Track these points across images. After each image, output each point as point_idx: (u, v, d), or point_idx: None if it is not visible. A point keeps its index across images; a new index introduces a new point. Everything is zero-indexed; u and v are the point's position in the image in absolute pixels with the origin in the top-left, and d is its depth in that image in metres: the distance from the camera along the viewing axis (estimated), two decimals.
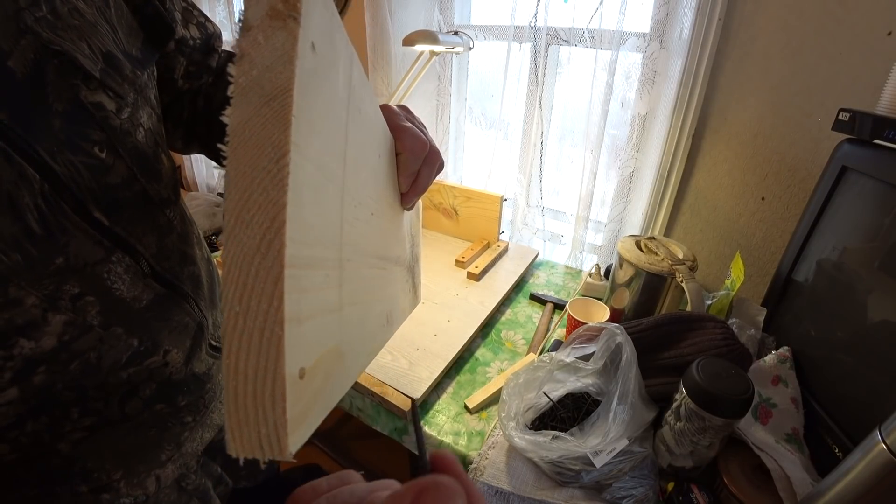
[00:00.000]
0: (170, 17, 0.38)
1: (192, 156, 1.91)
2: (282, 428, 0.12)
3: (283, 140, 0.13)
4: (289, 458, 0.13)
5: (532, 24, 1.01)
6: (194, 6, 0.45)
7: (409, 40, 0.90)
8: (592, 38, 0.95)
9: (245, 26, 0.14)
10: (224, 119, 0.13)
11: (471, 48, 1.03)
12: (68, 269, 0.28)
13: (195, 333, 0.39)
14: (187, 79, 0.47)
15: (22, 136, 0.25)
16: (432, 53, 0.98)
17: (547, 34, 1.00)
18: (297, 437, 0.13)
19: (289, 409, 0.12)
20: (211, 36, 0.48)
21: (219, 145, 0.13)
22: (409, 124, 0.34)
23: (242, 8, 0.14)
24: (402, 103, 0.38)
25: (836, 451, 0.56)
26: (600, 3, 0.91)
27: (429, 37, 0.89)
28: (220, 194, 2.04)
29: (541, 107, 1.08)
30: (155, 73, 0.38)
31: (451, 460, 0.19)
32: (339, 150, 0.18)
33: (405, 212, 0.39)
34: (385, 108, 0.34)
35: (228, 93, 0.13)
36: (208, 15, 0.48)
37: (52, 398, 0.30)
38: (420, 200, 0.41)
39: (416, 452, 0.16)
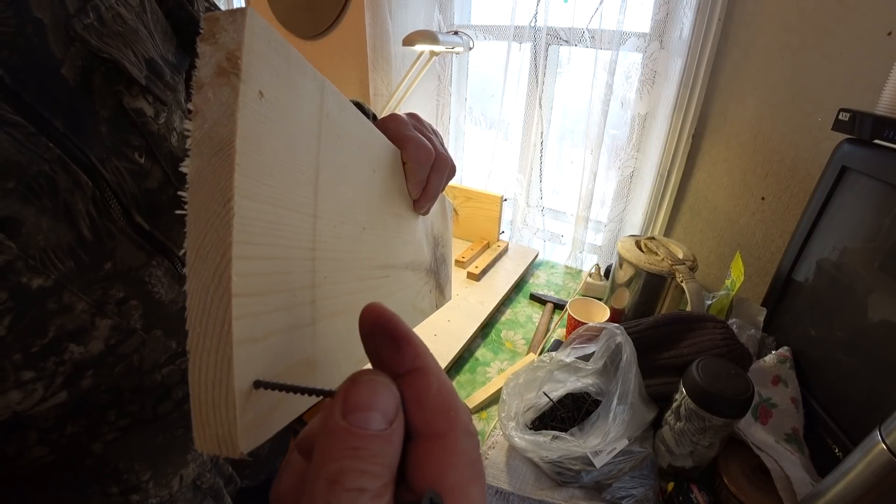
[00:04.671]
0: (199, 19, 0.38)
1: None
2: (233, 432, 0.15)
3: (228, 186, 0.15)
4: (241, 457, 0.15)
5: (532, 24, 1.01)
6: (216, 7, 0.45)
7: (409, 40, 0.90)
8: (592, 38, 0.96)
9: (197, 84, 0.15)
10: (183, 169, 0.15)
11: (471, 48, 1.03)
12: (115, 275, 0.29)
13: None
14: None
15: (76, 144, 0.26)
16: (432, 53, 0.98)
17: (547, 34, 1.00)
18: (249, 440, 0.15)
19: (239, 417, 0.15)
20: None
21: (179, 192, 0.15)
22: (413, 133, 0.33)
23: (196, 66, 0.16)
24: (410, 111, 0.38)
25: (836, 451, 0.56)
26: (600, 3, 0.91)
27: (429, 37, 0.89)
28: None
29: (541, 107, 1.08)
30: (184, 76, 0.39)
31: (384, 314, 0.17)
32: (307, 180, 0.20)
33: (423, 216, 0.39)
34: (393, 119, 0.34)
35: (186, 145, 0.15)
36: None
37: (92, 400, 0.31)
38: (450, 201, 0.41)
39: None
